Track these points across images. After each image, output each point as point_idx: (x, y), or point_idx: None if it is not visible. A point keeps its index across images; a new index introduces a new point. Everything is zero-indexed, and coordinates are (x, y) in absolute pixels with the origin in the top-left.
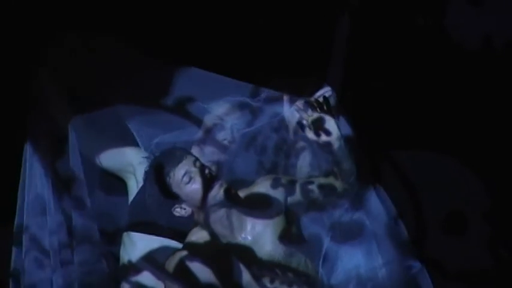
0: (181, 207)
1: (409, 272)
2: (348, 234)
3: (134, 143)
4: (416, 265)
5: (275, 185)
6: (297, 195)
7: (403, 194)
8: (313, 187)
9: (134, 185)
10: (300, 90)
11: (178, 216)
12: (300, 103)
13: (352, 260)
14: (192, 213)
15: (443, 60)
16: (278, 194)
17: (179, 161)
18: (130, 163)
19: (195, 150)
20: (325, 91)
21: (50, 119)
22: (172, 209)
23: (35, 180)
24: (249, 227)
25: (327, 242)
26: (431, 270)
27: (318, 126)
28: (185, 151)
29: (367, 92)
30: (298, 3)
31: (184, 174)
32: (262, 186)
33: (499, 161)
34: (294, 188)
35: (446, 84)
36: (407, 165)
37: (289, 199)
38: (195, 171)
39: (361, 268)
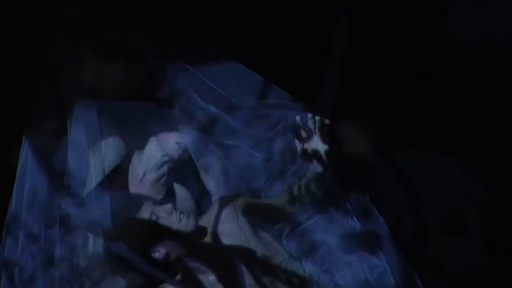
0: (155, 251)
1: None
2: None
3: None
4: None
5: (292, 201)
6: (313, 210)
7: (403, 194)
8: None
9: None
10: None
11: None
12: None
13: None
14: (167, 254)
15: (443, 60)
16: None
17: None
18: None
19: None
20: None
21: (57, 97)
22: (152, 254)
23: (30, 172)
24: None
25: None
26: (431, 270)
27: (326, 131)
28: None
29: (367, 92)
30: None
31: (151, 214)
32: (279, 201)
33: (499, 161)
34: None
35: (446, 84)
36: (408, 165)
37: (303, 215)
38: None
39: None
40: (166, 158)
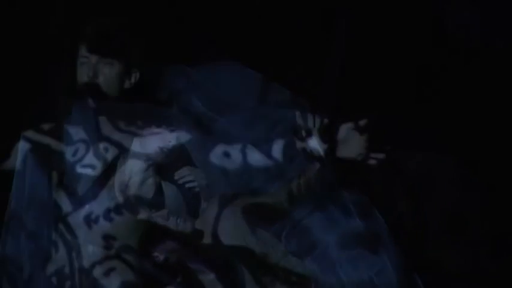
0: (156, 254)
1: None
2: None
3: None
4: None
5: (291, 200)
6: (311, 207)
7: (403, 194)
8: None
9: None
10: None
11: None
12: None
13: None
14: (167, 257)
15: (443, 60)
16: (293, 207)
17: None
18: None
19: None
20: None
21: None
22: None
23: (29, 171)
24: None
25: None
26: (431, 270)
27: (325, 131)
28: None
29: (367, 91)
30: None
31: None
32: (278, 199)
33: (499, 161)
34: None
35: (446, 83)
36: (407, 165)
37: (302, 213)
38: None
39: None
40: (150, 162)
